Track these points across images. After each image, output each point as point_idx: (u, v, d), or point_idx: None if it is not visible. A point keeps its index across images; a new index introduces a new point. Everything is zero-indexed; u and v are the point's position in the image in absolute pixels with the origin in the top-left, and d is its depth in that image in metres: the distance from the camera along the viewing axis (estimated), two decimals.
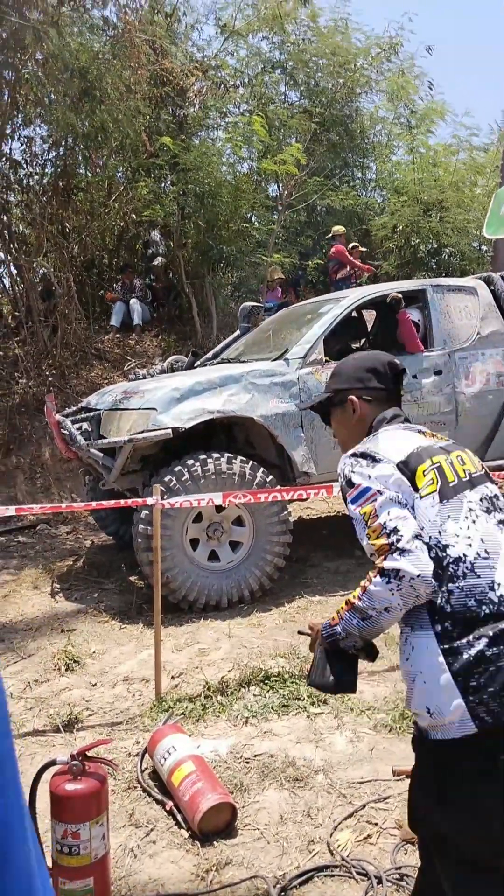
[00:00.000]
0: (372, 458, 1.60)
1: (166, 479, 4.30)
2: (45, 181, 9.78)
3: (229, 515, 4.58)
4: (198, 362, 5.95)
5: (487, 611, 1.43)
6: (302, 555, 5.38)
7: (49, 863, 1.99)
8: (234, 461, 4.49)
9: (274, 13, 11.67)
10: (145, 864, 2.29)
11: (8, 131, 8.90)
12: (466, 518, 1.53)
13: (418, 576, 1.43)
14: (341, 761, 2.78)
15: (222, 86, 10.86)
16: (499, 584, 1.45)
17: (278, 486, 4.55)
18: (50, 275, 9.19)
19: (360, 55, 12.25)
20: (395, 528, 1.48)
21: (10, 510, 3.80)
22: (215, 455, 4.48)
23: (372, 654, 1.64)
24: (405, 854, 2.24)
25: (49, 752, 2.93)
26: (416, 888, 1.67)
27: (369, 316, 6.89)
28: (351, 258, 10.17)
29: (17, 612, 4.77)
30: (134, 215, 10.38)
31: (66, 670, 3.79)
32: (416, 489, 1.55)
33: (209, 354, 6.29)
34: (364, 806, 2.49)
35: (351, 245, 10.60)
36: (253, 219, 10.48)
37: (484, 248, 11.52)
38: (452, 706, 1.39)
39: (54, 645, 4.12)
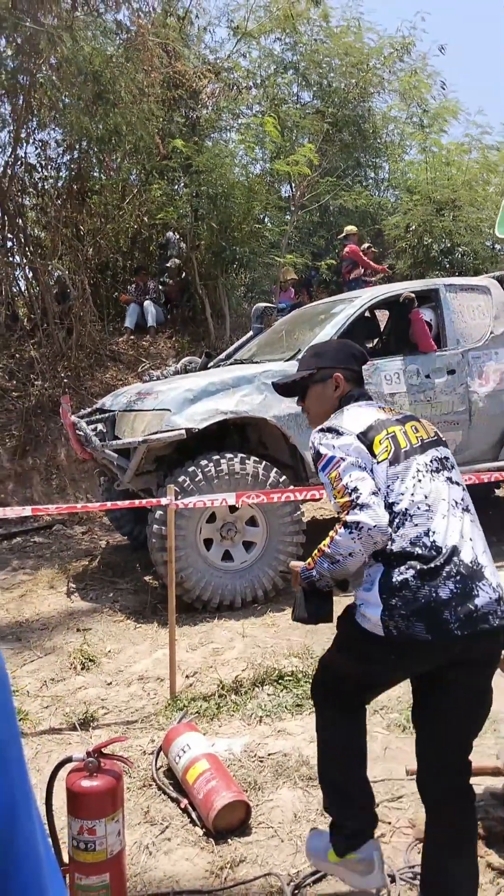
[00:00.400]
0: (336, 432, 1.91)
1: (180, 479, 4.33)
2: (59, 184, 9.87)
3: (243, 515, 4.60)
4: (211, 363, 5.98)
5: (420, 552, 1.77)
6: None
7: (65, 859, 2.02)
8: (247, 461, 4.51)
9: (286, 14, 11.68)
10: (160, 861, 2.32)
11: (23, 135, 9.00)
12: (413, 478, 1.85)
13: (375, 526, 1.74)
14: None
15: (235, 87, 10.89)
16: (433, 532, 1.78)
17: (291, 487, 4.57)
18: (65, 277, 9.26)
19: (373, 55, 12.22)
20: (356, 487, 1.79)
21: (27, 510, 3.85)
22: (228, 455, 4.50)
23: (344, 586, 1.99)
24: (418, 853, 2.23)
25: (65, 749, 2.96)
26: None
27: (382, 316, 6.88)
28: (365, 258, 10.17)
29: (33, 611, 4.82)
30: (147, 218, 10.44)
31: (82, 669, 3.82)
32: (373, 455, 1.87)
33: (222, 355, 6.32)
34: (378, 805, 2.49)
35: (364, 245, 10.59)
36: (266, 220, 10.50)
37: (497, 247, 11.46)
38: (373, 615, 1.78)
39: (70, 644, 4.16)
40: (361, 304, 5.24)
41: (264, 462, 4.59)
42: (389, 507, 1.81)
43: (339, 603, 1.97)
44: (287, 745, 2.92)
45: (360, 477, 1.81)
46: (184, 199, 9.46)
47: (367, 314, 5.94)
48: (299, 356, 4.85)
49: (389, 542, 1.78)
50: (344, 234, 10.47)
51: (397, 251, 11.58)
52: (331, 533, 1.80)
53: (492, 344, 5.34)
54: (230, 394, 4.60)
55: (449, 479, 1.90)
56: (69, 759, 2.04)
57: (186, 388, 4.61)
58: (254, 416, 4.60)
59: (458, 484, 1.92)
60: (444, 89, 12.76)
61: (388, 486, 1.84)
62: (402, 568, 1.76)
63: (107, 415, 5.07)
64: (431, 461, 1.90)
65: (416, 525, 1.79)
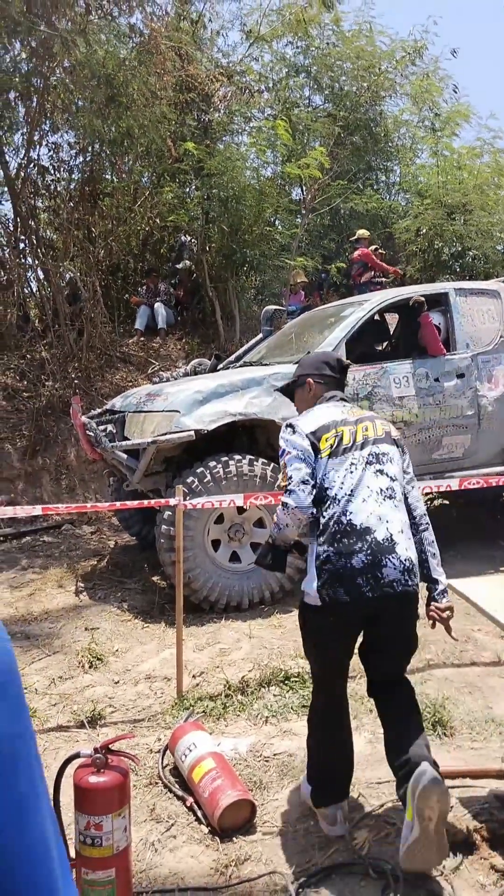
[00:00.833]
0: (292, 429, 2.39)
1: (188, 480, 4.36)
2: (71, 186, 9.94)
3: (250, 517, 4.62)
4: (220, 365, 6.01)
5: (337, 528, 2.21)
6: None
7: (72, 853, 2.04)
8: (255, 463, 4.53)
9: (298, 18, 11.72)
10: (166, 858, 2.34)
11: (36, 138, 9.07)
12: (346, 470, 2.28)
13: (296, 507, 2.24)
14: (360, 762, 2.79)
15: (247, 91, 10.94)
16: (351, 513, 2.22)
17: None
18: (76, 279, 9.33)
19: (385, 59, 12.25)
20: (291, 476, 2.28)
21: (37, 510, 3.88)
22: (237, 457, 4.52)
23: (301, 550, 2.46)
24: None
25: (72, 747, 2.99)
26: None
27: (392, 319, 6.89)
28: (378, 261, 10.17)
29: (42, 609, 4.85)
30: (158, 220, 10.49)
31: (90, 667, 3.85)
32: (319, 450, 2.32)
33: (232, 357, 6.34)
34: (382, 806, 2.51)
35: (372, 248, 10.59)
36: (276, 223, 10.53)
37: None
38: (311, 590, 2.24)
39: (78, 643, 4.19)
40: (371, 308, 5.25)
41: (272, 464, 4.61)
42: (325, 491, 2.27)
43: None
44: (293, 746, 2.94)
45: (297, 467, 2.28)
46: (195, 201, 9.50)
47: (376, 317, 5.95)
48: None
49: (320, 520, 2.25)
50: (356, 238, 10.47)
51: (408, 255, 11.58)
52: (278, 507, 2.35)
53: (501, 348, 5.35)
54: (239, 395, 4.63)
55: (379, 471, 2.30)
56: (77, 755, 2.06)
57: (196, 390, 4.64)
58: (262, 418, 4.62)
59: (387, 475, 2.31)
60: (456, 93, 12.77)
61: (325, 475, 2.29)
62: (326, 545, 2.22)
63: (117, 416, 5.10)
64: (368, 455, 2.32)
65: (339, 507, 2.23)
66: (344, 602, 2.17)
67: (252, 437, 5.15)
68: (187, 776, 2.62)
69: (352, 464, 2.29)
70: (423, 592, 2.41)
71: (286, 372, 4.81)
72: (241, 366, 5.80)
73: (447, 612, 2.42)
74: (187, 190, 10.14)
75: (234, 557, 4.63)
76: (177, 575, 3.55)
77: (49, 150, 9.55)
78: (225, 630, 4.29)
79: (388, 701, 2.39)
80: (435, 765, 2.13)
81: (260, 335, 6.43)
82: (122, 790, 2.04)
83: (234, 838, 2.39)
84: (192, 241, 10.41)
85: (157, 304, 9.88)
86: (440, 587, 2.42)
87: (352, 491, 2.24)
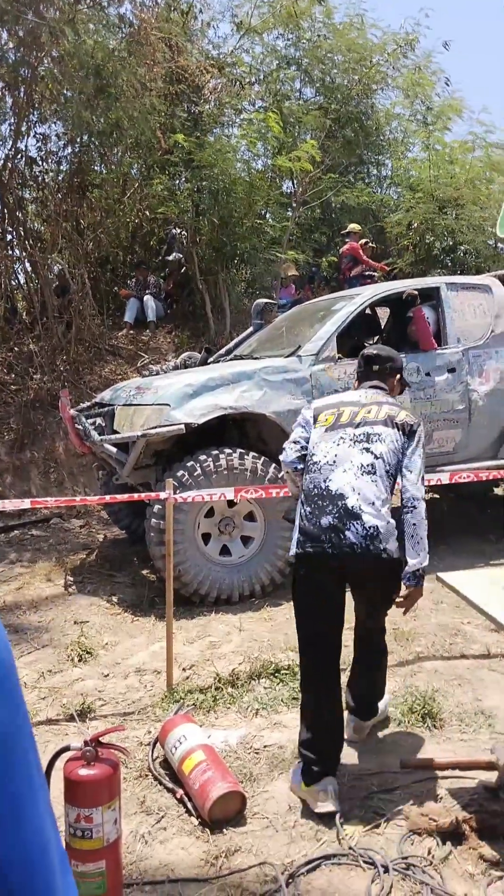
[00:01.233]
0: (308, 405, 2.91)
1: (178, 473, 4.34)
2: (60, 178, 9.85)
3: (241, 510, 4.61)
4: (211, 358, 5.99)
5: (316, 492, 2.56)
6: None
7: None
8: (245, 457, 4.52)
9: (289, 11, 11.66)
10: (156, 850, 2.34)
11: (24, 128, 8.98)
12: (334, 442, 2.62)
13: (282, 460, 2.80)
14: (349, 753, 2.81)
15: (237, 83, 10.87)
16: (329, 480, 2.54)
17: None
18: (65, 271, 9.26)
19: (376, 51, 12.20)
20: (289, 436, 2.84)
21: (26, 503, 3.86)
22: (227, 450, 4.51)
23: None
24: (412, 844, 2.26)
25: (62, 740, 2.98)
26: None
27: (382, 313, 6.89)
28: (364, 256, 10.16)
29: (30, 603, 4.83)
30: (148, 212, 10.43)
31: (79, 661, 3.84)
32: (315, 422, 2.73)
33: (222, 351, 6.33)
34: (371, 796, 2.52)
35: (362, 241, 10.58)
36: (267, 216, 10.49)
37: (500, 245, 11.46)
38: (293, 546, 2.60)
39: (67, 636, 4.18)
40: (362, 302, 5.24)
41: (263, 457, 4.60)
42: (311, 457, 2.65)
43: None
44: (283, 738, 2.94)
45: (294, 432, 2.82)
46: (185, 194, 9.45)
47: (367, 311, 5.95)
48: (299, 352, 4.91)
49: (304, 482, 2.64)
50: (347, 231, 10.46)
51: (399, 248, 11.58)
52: None
53: (492, 343, 5.36)
54: (230, 389, 4.61)
55: (366, 448, 2.57)
56: (67, 748, 2.05)
57: (186, 383, 4.62)
58: (253, 412, 4.61)
59: (372, 453, 2.57)
60: (448, 86, 12.75)
61: (316, 444, 2.66)
62: (306, 505, 2.57)
63: (106, 409, 5.08)
64: (359, 434, 2.60)
65: (321, 474, 2.58)
66: (309, 554, 2.51)
67: (242, 430, 5.14)
68: (177, 768, 2.62)
69: (341, 438, 2.61)
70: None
71: (277, 366, 4.81)
72: (231, 359, 5.78)
73: (404, 598, 2.64)
74: (177, 182, 10.07)
75: (225, 551, 4.62)
76: (167, 568, 3.54)
77: (37, 141, 9.44)
78: (215, 623, 4.29)
79: (357, 650, 2.92)
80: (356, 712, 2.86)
81: (251, 328, 6.41)
82: (112, 783, 2.04)
83: (224, 830, 2.40)
84: (182, 233, 10.36)
85: (146, 297, 9.83)
86: (407, 569, 2.58)
87: (335, 461, 2.57)
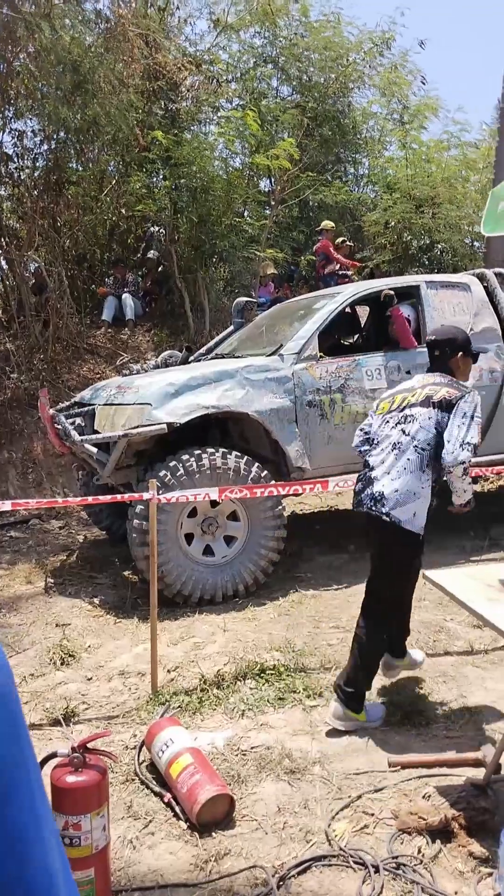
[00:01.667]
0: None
1: (161, 473, 4.31)
2: (36, 175, 9.73)
3: (224, 510, 4.59)
4: (192, 357, 5.96)
5: (364, 464, 3.11)
6: (295, 549, 5.41)
7: None
8: (228, 456, 4.50)
9: (265, 9, 11.64)
10: (144, 856, 2.31)
11: None
12: (382, 426, 3.09)
13: (353, 445, 3.31)
14: (337, 753, 2.81)
15: (215, 80, 10.82)
16: (371, 455, 3.07)
17: (273, 482, 4.57)
18: (42, 269, 9.15)
19: (353, 50, 12.24)
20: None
21: (7, 504, 3.80)
22: (210, 450, 4.49)
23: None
24: (401, 843, 2.26)
25: (46, 745, 2.94)
26: None
27: (362, 312, 6.91)
28: (335, 254, 10.17)
29: (10, 606, 4.76)
30: (126, 210, 10.34)
31: (62, 664, 3.79)
32: (377, 410, 3.19)
33: (203, 350, 6.30)
34: (360, 796, 2.52)
35: (339, 240, 10.60)
36: (245, 214, 10.47)
37: (476, 244, 11.56)
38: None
39: (49, 639, 4.13)
40: (343, 300, 5.24)
41: (246, 457, 4.58)
42: (371, 438, 3.14)
43: None
44: (269, 739, 2.93)
45: (364, 420, 3.33)
46: (163, 191, 9.39)
47: (347, 310, 5.95)
48: (281, 351, 4.90)
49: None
50: (320, 229, 10.47)
51: (376, 247, 11.62)
52: None
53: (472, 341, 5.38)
54: (212, 388, 4.59)
55: (403, 430, 2.96)
56: (54, 755, 2.02)
57: (168, 383, 4.59)
58: (236, 411, 4.59)
59: (405, 433, 2.94)
60: (424, 85, 12.83)
61: (374, 428, 3.15)
62: (360, 472, 3.13)
63: (86, 408, 5.02)
64: (401, 417, 2.99)
65: (371, 450, 3.10)
66: (355, 510, 3.10)
67: (225, 430, 5.12)
68: (165, 772, 2.59)
69: (387, 422, 3.06)
70: None
71: (259, 364, 4.80)
72: (212, 358, 5.75)
73: (458, 511, 3.06)
74: (155, 180, 10.00)
75: (208, 551, 4.60)
76: (151, 569, 3.51)
77: (13, 138, 9.32)
78: (199, 624, 4.26)
79: (364, 610, 3.16)
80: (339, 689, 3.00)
81: (231, 327, 6.39)
82: (100, 789, 2.01)
83: (213, 833, 2.38)
84: (161, 231, 10.29)
85: (124, 295, 9.75)
86: (452, 505, 3.03)
87: (378, 442, 3.07)
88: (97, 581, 5.19)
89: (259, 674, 3.47)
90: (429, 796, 2.47)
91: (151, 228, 10.47)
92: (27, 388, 8.14)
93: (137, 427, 4.41)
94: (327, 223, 10.47)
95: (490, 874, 2.09)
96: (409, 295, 5.52)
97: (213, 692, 3.34)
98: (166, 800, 2.54)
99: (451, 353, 3.07)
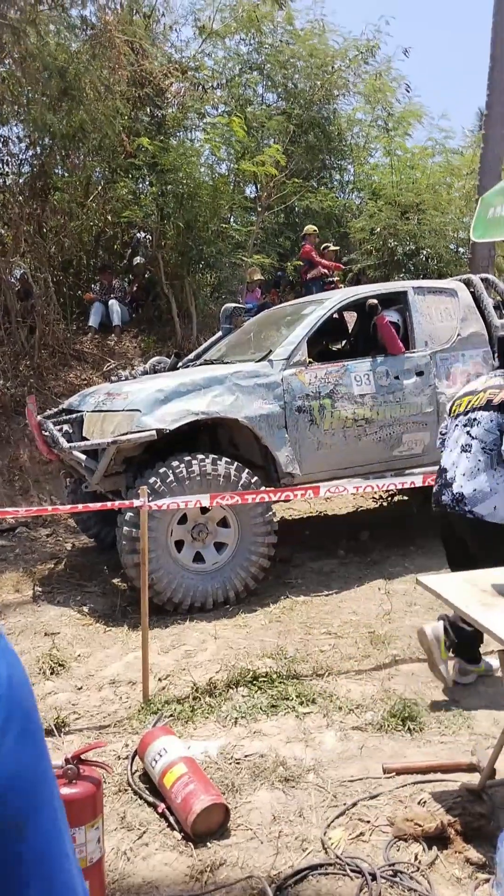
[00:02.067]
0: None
1: (151, 480, 4.29)
2: (21, 181, 9.69)
3: (214, 517, 4.57)
4: (180, 363, 5.94)
5: (439, 467, 3.40)
6: (285, 555, 5.39)
7: None
8: (219, 462, 4.49)
9: (251, 16, 11.69)
10: (139, 867, 2.29)
11: None
12: (452, 429, 3.36)
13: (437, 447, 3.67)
14: (331, 760, 2.80)
15: (200, 87, 10.85)
16: (443, 458, 3.37)
17: (263, 488, 4.57)
18: (27, 275, 9.10)
19: (338, 57, 12.32)
20: None
21: None
22: (200, 456, 4.47)
23: None
24: (398, 850, 2.25)
25: None
26: None
27: (350, 318, 6.93)
28: (317, 258, 10.20)
29: None
30: (112, 216, 10.32)
31: (52, 674, 3.75)
32: (450, 413, 3.47)
33: (191, 356, 6.29)
34: (356, 804, 2.51)
35: (323, 245, 10.64)
36: (232, 220, 10.49)
37: (461, 250, 11.65)
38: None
39: (38, 648, 4.09)
40: (332, 306, 5.26)
41: (236, 463, 4.57)
42: (445, 441, 3.43)
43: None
44: (263, 746, 2.91)
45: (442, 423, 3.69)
46: (149, 197, 9.38)
47: (335, 316, 5.97)
48: (270, 357, 4.90)
49: None
50: (304, 234, 10.52)
51: (362, 253, 11.68)
52: None
53: (459, 346, 5.42)
54: (201, 394, 4.58)
55: (468, 432, 3.22)
56: None
57: (157, 389, 4.57)
58: (225, 417, 4.58)
59: (470, 435, 3.20)
60: (408, 92, 12.93)
61: (446, 430, 3.45)
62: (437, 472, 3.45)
63: (74, 415, 4.99)
64: (467, 419, 3.25)
65: (443, 452, 3.40)
66: (434, 510, 3.40)
67: (214, 436, 5.11)
68: (158, 782, 2.57)
69: (455, 425, 3.33)
70: None
71: (248, 370, 4.79)
72: (201, 364, 5.75)
73: None
74: (141, 186, 10.00)
75: (198, 558, 4.58)
76: (142, 576, 3.49)
77: None
78: (189, 631, 4.24)
79: None
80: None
81: (219, 333, 6.38)
82: (94, 801, 1.99)
83: (208, 843, 2.35)
84: (147, 237, 10.28)
85: (111, 301, 9.72)
86: None
87: (448, 444, 3.36)
88: (86, 589, 5.16)
89: (251, 681, 3.45)
90: (424, 802, 2.46)
91: (138, 234, 10.46)
92: (13, 394, 8.08)
93: (127, 434, 4.39)
94: (308, 227, 10.50)
95: (487, 880, 2.09)
96: (397, 301, 5.55)
97: (205, 700, 3.31)
98: (160, 810, 2.52)
99: None
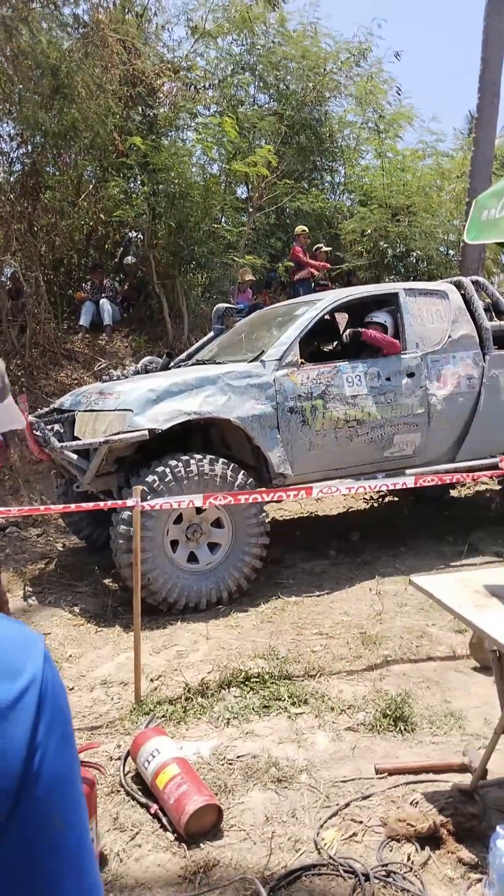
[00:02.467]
0: None
1: (148, 479, 4.28)
2: (12, 179, 9.64)
3: (208, 517, 4.57)
4: (172, 363, 5.94)
5: None
6: (276, 556, 5.40)
7: None
8: (215, 463, 4.49)
9: (243, 16, 11.70)
10: (131, 868, 2.28)
11: None
12: None
13: None
14: (324, 760, 2.80)
15: (192, 87, 10.84)
16: None
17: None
18: (18, 273, 9.06)
19: (330, 59, 12.34)
20: None
21: None
22: (197, 457, 4.47)
23: None
24: (390, 851, 2.26)
25: None
26: None
27: (341, 319, 6.94)
28: (304, 259, 10.22)
29: None
30: (103, 215, 10.30)
31: None
32: None
33: (183, 356, 6.28)
34: (348, 804, 2.51)
35: (315, 247, 10.66)
36: (223, 220, 10.49)
37: (451, 252, 11.70)
38: None
39: None
40: (324, 307, 5.27)
41: (232, 464, 4.57)
42: None
43: None
44: (256, 747, 2.91)
45: None
46: (141, 197, 9.37)
47: (326, 317, 5.98)
48: (263, 357, 4.90)
49: None
50: (295, 235, 10.54)
51: (353, 254, 11.71)
52: None
53: (450, 347, 5.45)
54: (194, 394, 4.57)
55: None
56: None
57: (149, 389, 4.56)
58: (217, 417, 4.58)
59: None
60: (399, 95, 12.97)
61: None
62: None
63: (65, 415, 4.98)
64: None
65: None
66: None
67: (206, 436, 5.11)
68: (151, 783, 2.57)
69: None
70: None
71: (241, 370, 4.80)
72: (192, 364, 5.74)
73: None
74: (133, 185, 9.98)
75: (192, 558, 4.57)
76: (135, 576, 3.48)
77: None
78: (181, 632, 4.23)
79: None
80: None
81: (211, 333, 6.38)
82: (89, 802, 1.98)
83: (201, 844, 2.35)
84: (139, 237, 10.27)
85: (102, 300, 9.70)
86: None
87: None
88: (77, 589, 5.14)
89: (243, 682, 3.45)
90: (416, 803, 2.47)
91: (129, 234, 10.44)
92: None
93: (119, 433, 4.38)
94: (298, 228, 10.53)
95: (479, 880, 2.10)
96: (388, 302, 5.57)
97: (197, 701, 3.31)
98: (153, 811, 2.52)
99: None
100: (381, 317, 5.46)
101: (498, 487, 6.48)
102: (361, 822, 2.42)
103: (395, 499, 7.07)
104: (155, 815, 2.50)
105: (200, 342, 6.39)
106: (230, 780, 2.70)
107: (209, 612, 4.49)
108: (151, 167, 9.09)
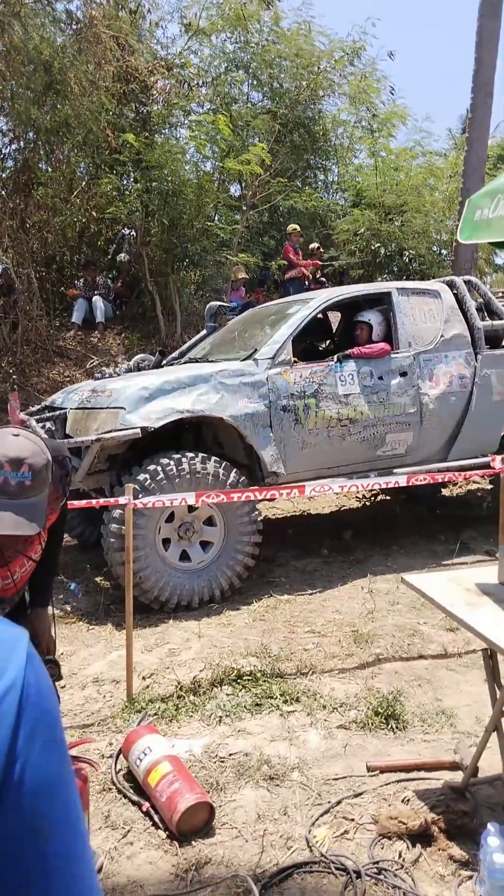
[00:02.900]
0: None
1: (140, 478, 4.27)
2: (4, 175, 9.61)
3: (201, 515, 4.57)
4: (164, 361, 5.93)
5: None
6: (269, 554, 5.40)
7: None
8: (208, 461, 4.48)
9: (237, 14, 11.68)
10: (123, 866, 2.28)
11: None
12: None
13: None
14: (316, 758, 2.81)
15: (186, 84, 10.82)
16: None
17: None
18: (10, 270, 9.03)
19: (324, 58, 12.35)
20: None
21: None
22: (190, 455, 4.47)
23: None
24: (382, 848, 2.27)
25: None
26: None
27: (334, 317, 6.95)
28: (294, 258, 10.22)
29: None
30: (96, 212, 10.27)
31: None
32: None
33: (175, 353, 6.27)
34: (340, 802, 2.52)
35: (312, 245, 10.67)
36: (216, 218, 10.48)
37: (444, 251, 11.73)
38: None
39: None
40: (317, 306, 5.27)
41: (225, 462, 4.57)
42: None
43: None
44: (247, 745, 2.92)
45: None
46: (134, 194, 9.35)
47: (319, 315, 5.98)
48: (256, 356, 4.89)
49: None
50: (287, 234, 10.55)
51: (346, 253, 11.73)
52: None
53: (442, 347, 5.46)
54: (186, 392, 4.57)
55: None
56: None
57: (142, 387, 4.55)
58: (210, 415, 4.58)
59: None
60: (392, 94, 12.99)
61: None
62: None
63: (58, 412, 4.96)
64: None
65: None
66: None
67: (198, 434, 5.10)
68: (143, 780, 2.56)
69: None
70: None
71: (234, 369, 4.79)
72: (185, 362, 5.73)
73: None
74: (126, 182, 9.96)
75: (184, 556, 4.57)
76: (126, 575, 3.47)
77: None
78: (173, 630, 4.23)
79: None
80: None
81: (204, 331, 6.37)
82: (81, 798, 1.98)
83: (192, 842, 2.35)
84: (132, 234, 10.24)
85: (94, 298, 9.68)
86: None
87: None
88: (69, 587, 5.12)
89: (235, 680, 3.45)
90: (408, 800, 2.48)
91: (122, 231, 10.41)
92: None
93: (111, 431, 4.37)
94: (290, 227, 10.53)
95: (470, 877, 2.11)
96: (381, 301, 5.57)
97: (189, 699, 3.31)
98: (144, 809, 2.51)
99: None
100: (368, 316, 5.47)
101: (489, 486, 6.51)
102: (353, 820, 2.43)
103: (388, 498, 7.09)
104: (147, 813, 2.50)
105: (193, 340, 6.38)
106: (222, 778, 2.70)
107: (201, 611, 4.49)
108: (145, 164, 9.07)
